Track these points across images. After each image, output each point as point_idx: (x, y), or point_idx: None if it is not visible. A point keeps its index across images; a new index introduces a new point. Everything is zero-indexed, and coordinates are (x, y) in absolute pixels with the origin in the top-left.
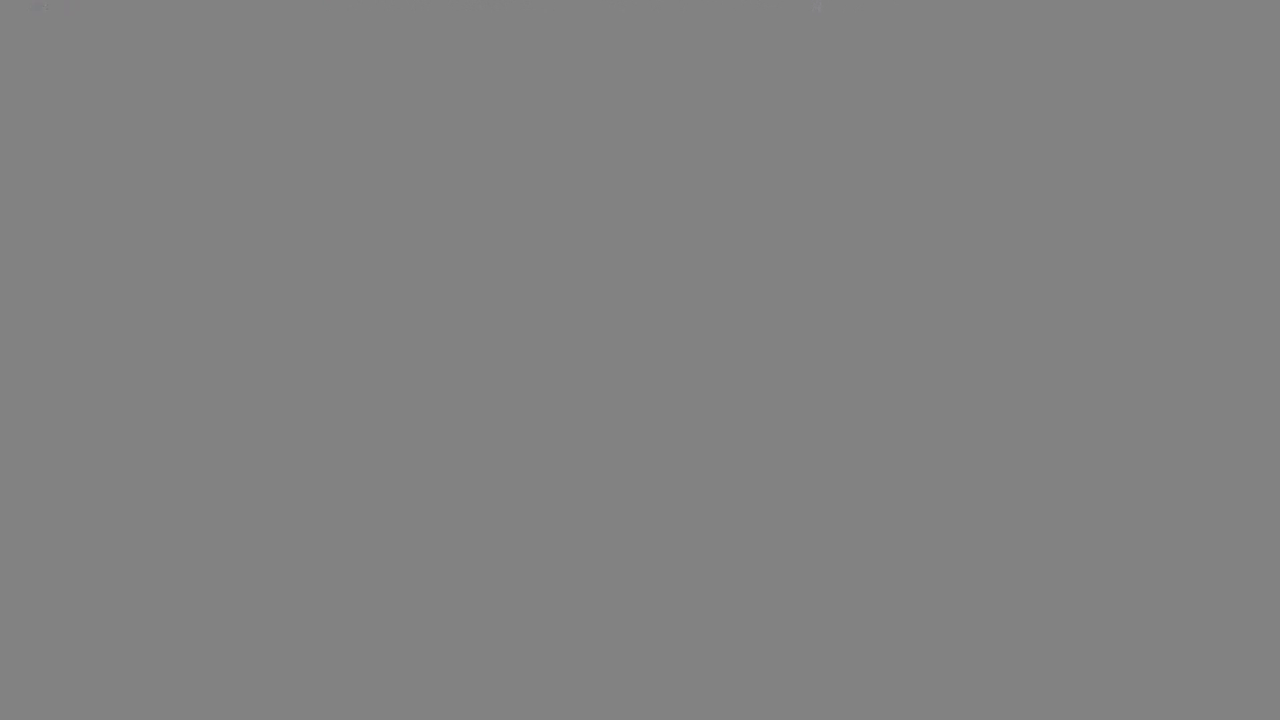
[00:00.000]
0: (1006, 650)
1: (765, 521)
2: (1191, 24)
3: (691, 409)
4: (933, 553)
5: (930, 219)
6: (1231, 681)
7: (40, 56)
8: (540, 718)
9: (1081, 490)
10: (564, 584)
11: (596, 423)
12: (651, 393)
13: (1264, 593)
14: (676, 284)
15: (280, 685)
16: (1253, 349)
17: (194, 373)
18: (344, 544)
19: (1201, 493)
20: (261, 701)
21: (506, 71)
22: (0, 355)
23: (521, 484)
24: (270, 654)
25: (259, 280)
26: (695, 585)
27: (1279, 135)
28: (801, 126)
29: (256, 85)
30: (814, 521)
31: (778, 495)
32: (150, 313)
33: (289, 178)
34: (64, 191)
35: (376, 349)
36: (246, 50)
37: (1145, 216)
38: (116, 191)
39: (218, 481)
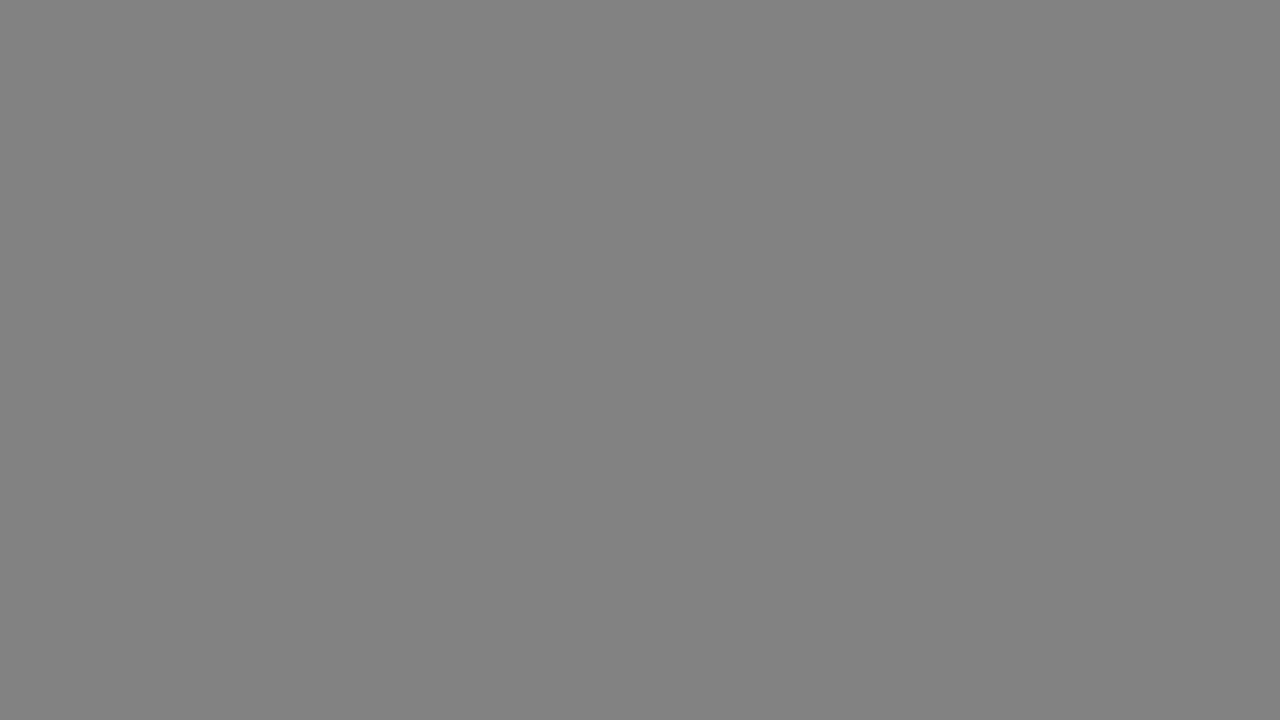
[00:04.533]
0: (1006, 650)
1: (766, 522)
2: (1192, 23)
3: (691, 409)
4: (933, 553)
5: (930, 219)
6: (1232, 682)
7: (40, 56)
8: (540, 718)
9: (1082, 491)
10: (564, 584)
11: (597, 423)
12: (651, 393)
13: (1265, 593)
14: (676, 284)
15: (280, 685)
16: (1253, 349)
17: (193, 373)
18: (344, 544)
19: (1202, 493)
20: (261, 701)
21: (506, 71)
22: (0, 355)
23: (521, 484)
24: (270, 654)
25: (259, 280)
26: (695, 585)
27: (1279, 135)
28: (801, 126)
29: (257, 85)
30: (814, 521)
31: (778, 495)
32: (150, 312)
33: (289, 178)
34: (64, 191)
35: (376, 349)
36: (247, 50)
37: (1145, 217)
38: (116, 191)
39: (217, 481)
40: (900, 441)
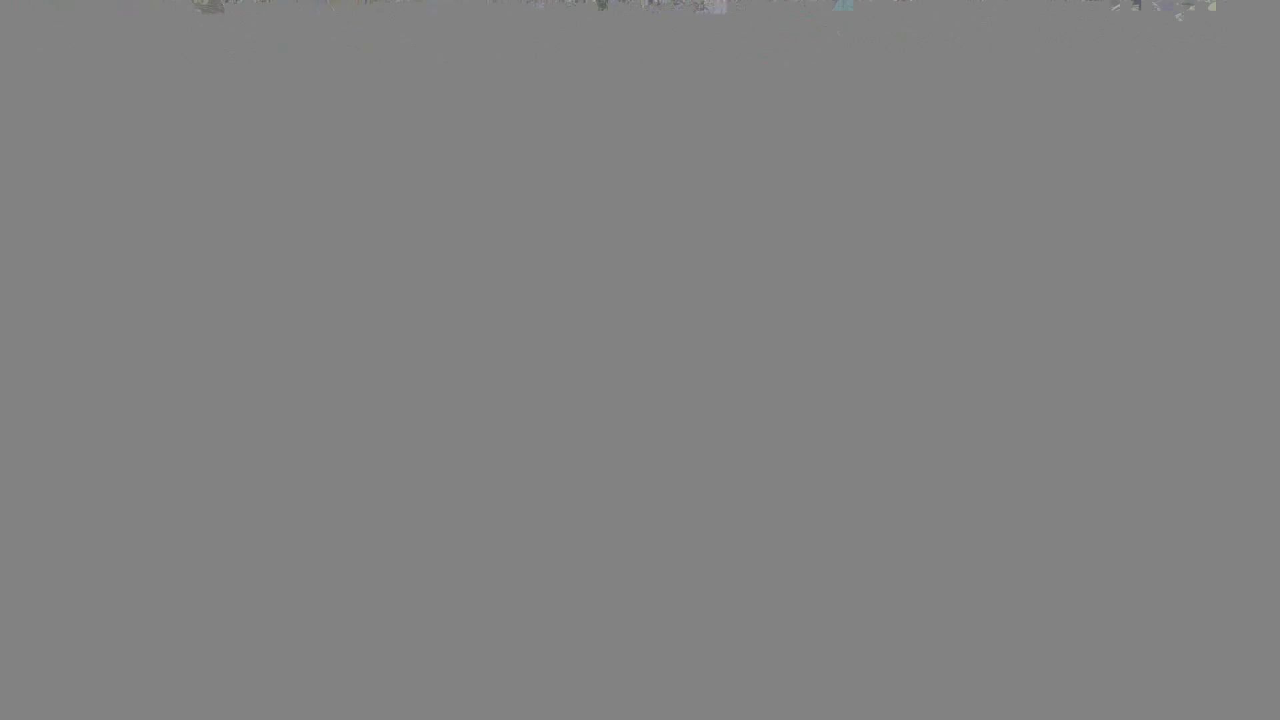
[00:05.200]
0: (1007, 650)
1: (766, 522)
2: (1192, 25)
3: (691, 409)
4: (933, 553)
5: (930, 219)
6: (1232, 683)
7: (40, 56)
8: (540, 718)
9: (1082, 491)
10: (564, 584)
11: (597, 423)
12: (651, 393)
13: (1265, 593)
14: (676, 285)
15: (280, 685)
16: (1253, 349)
17: (194, 373)
18: (344, 544)
19: (1202, 493)
20: (261, 702)
21: (506, 71)
22: (0, 355)
23: (521, 485)
24: (270, 654)
25: (259, 280)
26: (696, 585)
27: (1279, 136)
28: (801, 126)
29: (256, 85)
30: (815, 521)
31: (779, 496)
32: (150, 312)
33: (289, 178)
34: (64, 191)
35: (376, 349)
36: (247, 50)
37: (1145, 217)
38: (116, 191)
39: (218, 482)
40: (901, 443)
